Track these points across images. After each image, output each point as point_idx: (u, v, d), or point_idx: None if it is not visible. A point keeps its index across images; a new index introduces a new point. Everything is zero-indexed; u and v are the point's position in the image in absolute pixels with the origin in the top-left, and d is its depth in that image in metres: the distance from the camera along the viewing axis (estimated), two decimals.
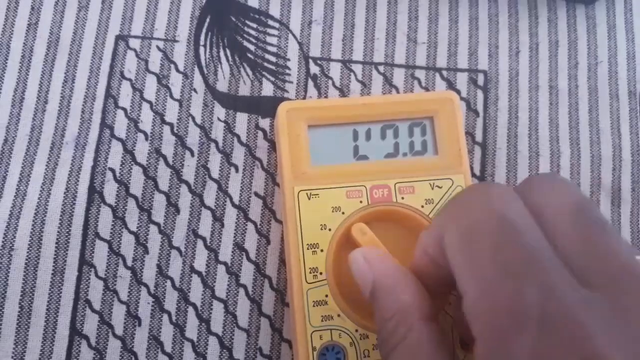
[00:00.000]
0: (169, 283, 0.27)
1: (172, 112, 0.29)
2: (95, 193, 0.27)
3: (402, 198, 0.26)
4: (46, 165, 0.28)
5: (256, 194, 0.28)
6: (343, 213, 0.26)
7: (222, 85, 0.29)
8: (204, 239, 0.28)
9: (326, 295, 0.25)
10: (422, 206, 0.26)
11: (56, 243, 0.27)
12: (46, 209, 0.27)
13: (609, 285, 0.16)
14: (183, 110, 0.29)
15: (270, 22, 0.30)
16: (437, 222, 0.20)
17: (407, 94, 0.30)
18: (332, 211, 0.26)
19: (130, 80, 0.29)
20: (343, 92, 0.30)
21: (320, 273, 0.25)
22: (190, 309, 0.27)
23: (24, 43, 0.29)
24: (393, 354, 0.19)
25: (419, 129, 0.28)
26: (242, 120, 0.29)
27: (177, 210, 0.28)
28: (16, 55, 0.29)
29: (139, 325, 0.27)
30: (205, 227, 0.28)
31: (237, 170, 0.28)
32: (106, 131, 0.28)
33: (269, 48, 0.30)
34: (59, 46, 0.29)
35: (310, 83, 0.30)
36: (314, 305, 0.25)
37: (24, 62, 0.29)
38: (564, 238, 0.17)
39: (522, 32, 0.31)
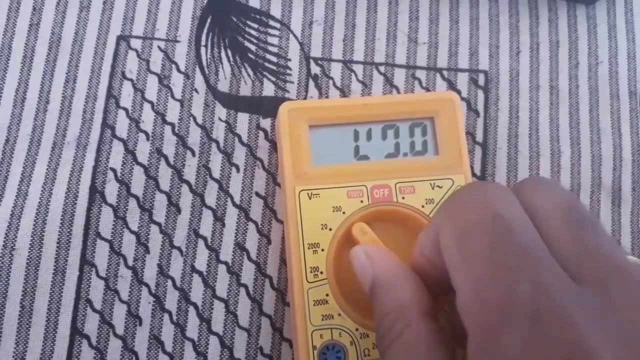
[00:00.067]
0: (169, 283, 0.27)
1: (173, 112, 0.29)
2: (96, 193, 0.27)
3: (403, 198, 0.26)
4: (47, 165, 0.28)
5: (257, 194, 0.28)
6: (344, 213, 0.26)
7: (223, 86, 0.29)
8: (205, 239, 0.28)
9: (327, 295, 0.25)
10: (423, 206, 0.26)
11: (57, 243, 0.27)
12: (47, 208, 0.27)
13: (601, 282, 0.16)
14: (184, 111, 0.29)
15: (271, 23, 0.30)
16: (433, 222, 0.20)
17: (408, 94, 0.30)
18: (333, 211, 0.26)
19: (131, 80, 0.29)
20: (344, 92, 0.30)
21: (321, 272, 0.25)
22: (191, 309, 0.27)
23: (26, 43, 0.29)
24: (390, 349, 0.19)
25: (419, 129, 0.28)
26: (243, 121, 0.29)
27: (178, 210, 0.28)
28: (18, 55, 0.29)
29: (140, 324, 0.27)
30: (206, 226, 0.28)
31: (238, 170, 0.29)
32: (107, 131, 0.28)
33: (270, 48, 0.30)
34: (61, 46, 0.29)
35: (311, 83, 0.30)
36: (314, 305, 0.25)
37: (26, 63, 0.29)
38: (556, 237, 0.17)
39: (522, 32, 0.31)
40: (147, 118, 0.29)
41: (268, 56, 0.30)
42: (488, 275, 0.17)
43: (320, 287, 0.25)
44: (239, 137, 0.29)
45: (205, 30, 0.30)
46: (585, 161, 0.30)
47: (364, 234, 0.25)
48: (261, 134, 0.29)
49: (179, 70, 0.29)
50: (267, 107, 0.29)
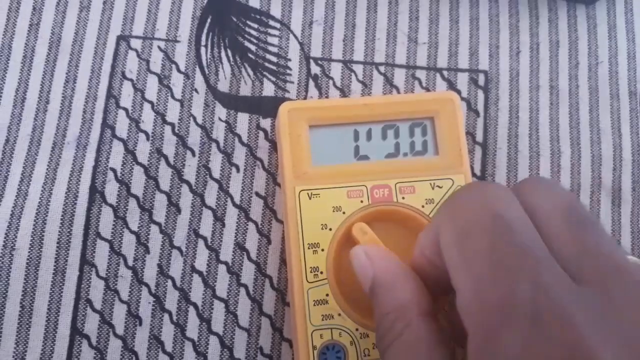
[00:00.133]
0: (169, 283, 0.27)
1: (173, 112, 0.29)
2: (96, 193, 0.27)
3: (403, 198, 0.26)
4: (47, 165, 0.28)
5: (257, 194, 0.28)
6: (344, 213, 0.26)
7: (223, 86, 0.29)
8: (205, 239, 0.28)
9: (327, 295, 0.25)
10: (423, 206, 0.26)
11: (57, 243, 0.27)
12: (47, 208, 0.27)
13: (601, 282, 0.16)
14: (184, 111, 0.29)
15: (271, 23, 0.30)
16: (433, 222, 0.20)
17: (408, 94, 0.30)
18: (333, 211, 0.26)
19: (131, 80, 0.29)
20: (344, 92, 0.30)
21: (321, 272, 0.25)
22: (191, 309, 0.27)
23: (26, 43, 0.29)
24: (390, 349, 0.19)
25: (419, 129, 0.28)
26: (243, 121, 0.29)
27: (178, 210, 0.28)
28: (18, 55, 0.29)
29: (140, 324, 0.27)
30: (206, 226, 0.28)
31: (238, 170, 0.29)
32: (107, 131, 0.28)
33: (270, 48, 0.30)
34: (61, 46, 0.29)
35: (311, 83, 0.30)
36: (314, 305, 0.25)
37: (26, 63, 0.29)
38: (556, 237, 0.17)
39: (522, 32, 0.31)
40: (147, 118, 0.29)
41: (268, 56, 0.30)
42: (488, 275, 0.17)
43: (320, 287, 0.25)
44: (239, 137, 0.29)
45: (205, 30, 0.30)
46: (585, 161, 0.30)
47: (364, 234, 0.25)
48: (261, 134, 0.29)
49: (179, 70, 0.29)
50: (267, 107, 0.29)
